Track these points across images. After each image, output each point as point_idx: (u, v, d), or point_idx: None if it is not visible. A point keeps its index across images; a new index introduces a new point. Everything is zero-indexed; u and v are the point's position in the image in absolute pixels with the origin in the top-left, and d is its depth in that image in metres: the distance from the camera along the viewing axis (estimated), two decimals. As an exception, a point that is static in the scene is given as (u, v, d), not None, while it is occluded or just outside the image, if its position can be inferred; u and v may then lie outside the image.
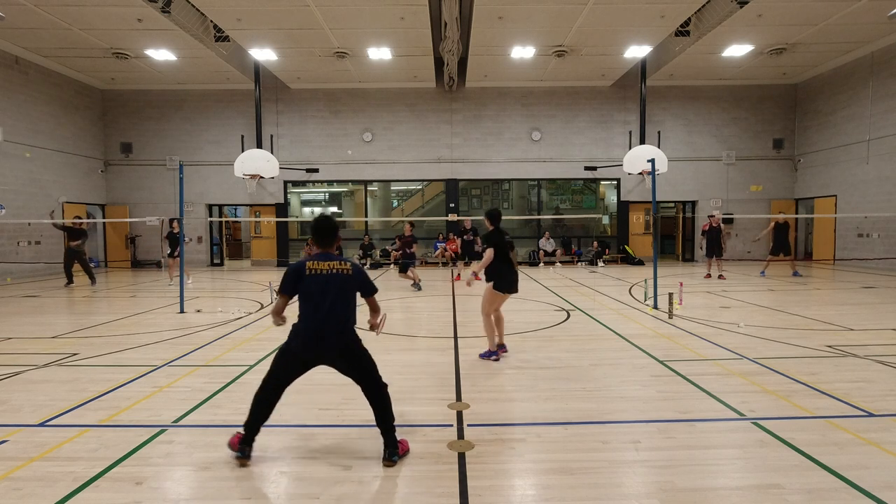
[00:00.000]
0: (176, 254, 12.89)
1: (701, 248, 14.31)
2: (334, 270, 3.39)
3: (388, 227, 19.65)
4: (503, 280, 5.49)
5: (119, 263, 18.74)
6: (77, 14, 12.56)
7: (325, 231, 3.53)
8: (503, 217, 5.81)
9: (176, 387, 4.81)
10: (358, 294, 3.54)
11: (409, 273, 11.95)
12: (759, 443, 3.55)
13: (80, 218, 14.07)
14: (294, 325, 3.42)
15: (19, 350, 6.33)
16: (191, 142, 18.91)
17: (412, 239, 12.25)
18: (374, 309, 3.72)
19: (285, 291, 3.43)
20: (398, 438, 3.40)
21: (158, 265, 18.52)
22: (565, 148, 18.96)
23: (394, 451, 3.33)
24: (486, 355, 5.66)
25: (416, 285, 11.92)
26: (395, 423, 3.42)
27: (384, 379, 3.52)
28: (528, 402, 4.41)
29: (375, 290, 3.61)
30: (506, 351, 5.91)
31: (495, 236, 5.53)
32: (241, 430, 3.40)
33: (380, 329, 3.76)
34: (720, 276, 13.35)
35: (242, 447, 3.35)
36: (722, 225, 13.79)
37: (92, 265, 14.02)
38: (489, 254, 5.42)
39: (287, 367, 3.44)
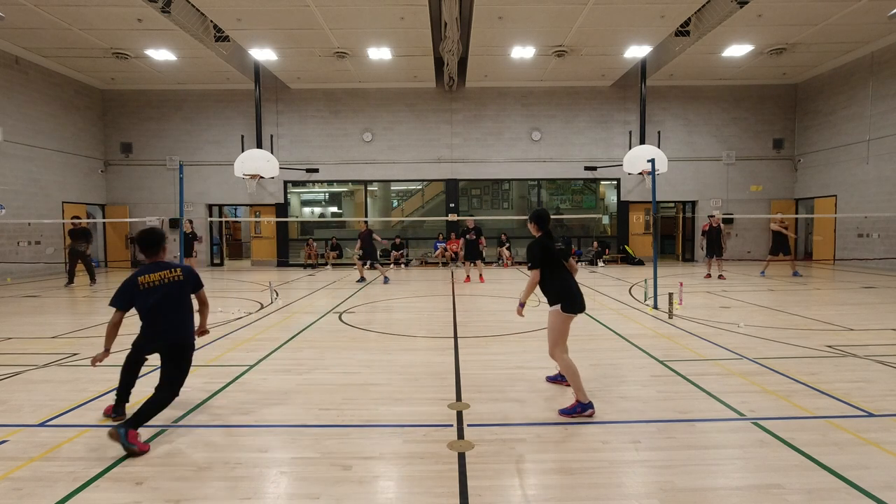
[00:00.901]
0: (193, 254, 13.63)
1: (702, 248, 14.29)
2: (166, 280, 3.77)
3: (388, 227, 19.65)
4: (572, 298, 4.18)
5: (119, 263, 18.75)
6: (77, 14, 12.56)
7: (149, 242, 3.85)
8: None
9: (176, 387, 4.80)
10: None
11: (364, 266, 13.65)
12: (759, 443, 3.55)
13: (78, 218, 14.07)
14: (139, 334, 3.83)
15: (19, 350, 6.33)
16: (191, 142, 18.92)
17: (369, 234, 13.51)
18: (202, 301, 4.16)
19: (120, 306, 3.71)
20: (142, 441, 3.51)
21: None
22: (565, 148, 18.96)
23: (127, 429, 3.39)
24: (577, 410, 4.01)
25: (363, 279, 13.72)
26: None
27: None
28: (528, 402, 4.41)
29: (202, 286, 4.06)
30: (567, 383, 4.60)
31: (542, 248, 4.20)
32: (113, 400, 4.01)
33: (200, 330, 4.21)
34: (720, 276, 13.34)
35: (117, 409, 3.93)
36: (722, 225, 13.76)
37: (92, 265, 14.03)
38: (535, 276, 4.20)
39: (137, 353, 3.93)
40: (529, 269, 4.24)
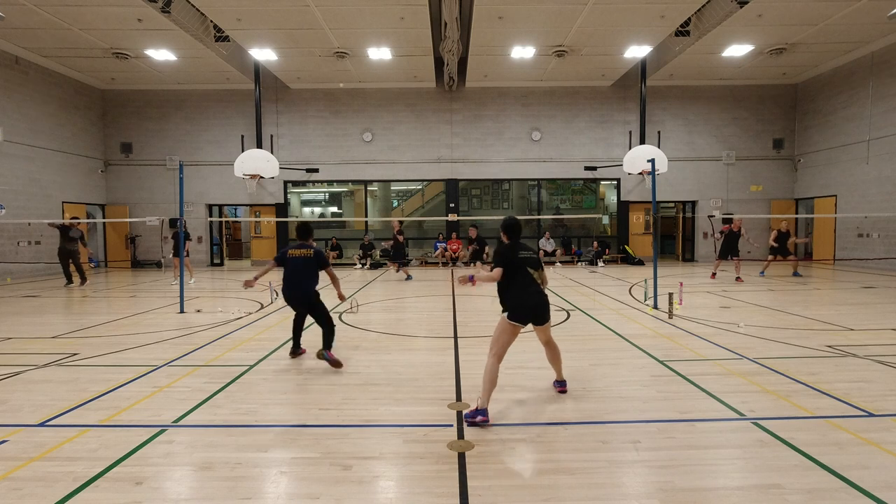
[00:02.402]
0: (186, 253, 13.48)
1: (713, 237, 14.05)
2: (303, 255, 5.67)
3: (387, 227, 19.63)
4: (519, 308, 4.15)
5: (119, 263, 18.74)
6: (77, 14, 12.56)
7: (304, 230, 5.90)
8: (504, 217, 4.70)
9: (176, 387, 4.81)
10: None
11: (402, 268, 14.08)
12: (759, 443, 3.55)
13: (77, 218, 14.04)
14: (283, 286, 5.69)
15: (19, 350, 6.33)
16: (191, 142, 18.91)
17: (401, 234, 14.12)
18: (332, 277, 5.89)
19: (277, 261, 5.78)
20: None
21: (158, 265, 18.51)
22: (565, 148, 18.96)
23: (327, 350, 5.32)
24: (472, 416, 3.90)
25: (409, 277, 13.90)
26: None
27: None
28: (528, 402, 4.41)
29: (328, 265, 5.76)
30: (564, 390, 4.61)
31: (506, 252, 4.23)
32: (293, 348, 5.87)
33: (340, 294, 5.97)
34: (738, 279, 12.89)
35: (294, 350, 5.86)
36: (743, 230, 13.38)
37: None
38: (497, 273, 4.17)
39: (293, 307, 5.78)
40: (492, 268, 4.28)
